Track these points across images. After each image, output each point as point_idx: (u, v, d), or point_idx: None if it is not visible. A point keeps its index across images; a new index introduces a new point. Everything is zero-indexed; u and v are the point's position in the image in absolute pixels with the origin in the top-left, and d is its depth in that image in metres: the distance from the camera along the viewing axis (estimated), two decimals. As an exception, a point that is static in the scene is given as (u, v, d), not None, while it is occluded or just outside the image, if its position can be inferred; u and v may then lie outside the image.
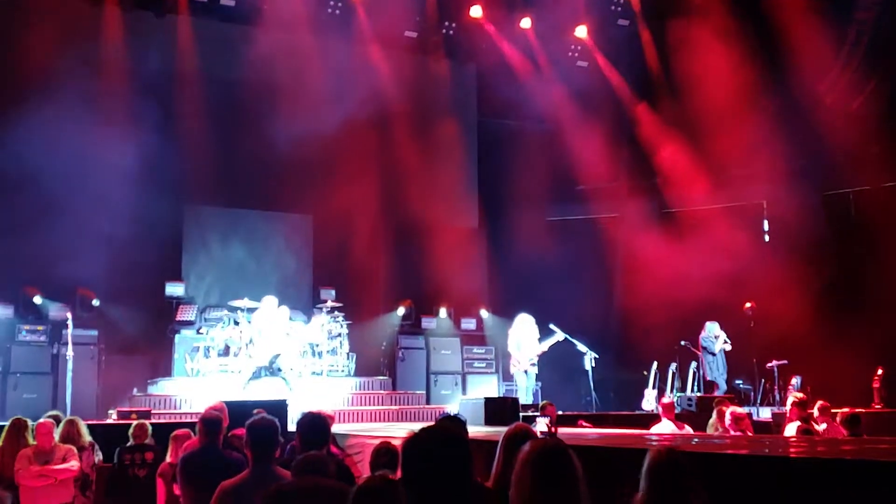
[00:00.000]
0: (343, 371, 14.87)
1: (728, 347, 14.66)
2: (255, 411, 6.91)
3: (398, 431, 9.37)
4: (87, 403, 12.94)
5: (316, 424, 5.18)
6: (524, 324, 13.77)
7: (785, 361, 14.48)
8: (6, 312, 13.87)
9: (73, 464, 7.72)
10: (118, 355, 14.23)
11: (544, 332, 13.73)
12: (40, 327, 13.79)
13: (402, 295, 17.73)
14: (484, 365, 16.72)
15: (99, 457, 8.39)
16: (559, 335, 13.50)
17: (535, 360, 13.67)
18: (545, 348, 13.59)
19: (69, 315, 13.29)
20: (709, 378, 14.66)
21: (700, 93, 15.50)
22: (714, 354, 14.52)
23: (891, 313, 13.95)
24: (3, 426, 8.46)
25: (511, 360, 13.86)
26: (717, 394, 13.45)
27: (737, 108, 14.99)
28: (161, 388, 13.60)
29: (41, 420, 8.20)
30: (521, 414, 10.11)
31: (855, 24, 15.06)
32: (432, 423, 3.03)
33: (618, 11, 17.38)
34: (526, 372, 13.61)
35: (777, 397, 14.34)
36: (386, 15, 16.50)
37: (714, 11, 15.24)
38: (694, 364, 15.00)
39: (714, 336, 14.52)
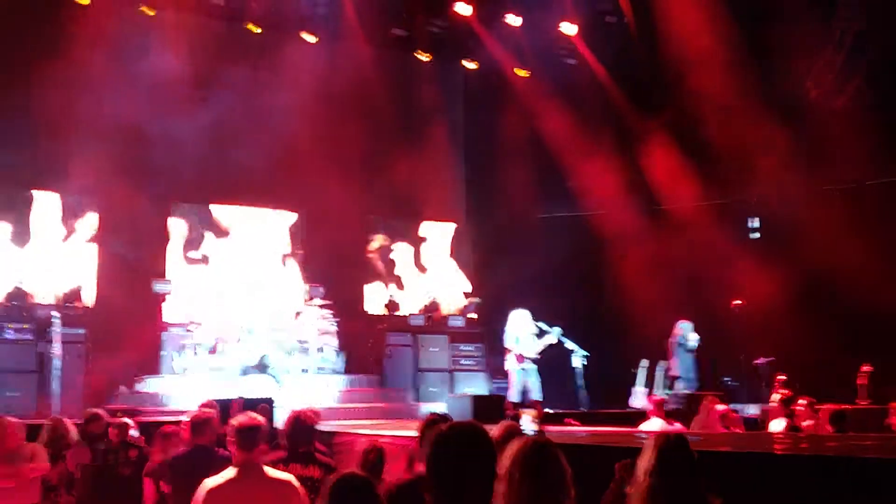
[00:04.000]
0: (331, 368, 14.85)
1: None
2: (259, 406, 6.90)
3: (386, 430, 9.38)
4: (74, 402, 12.82)
5: (301, 424, 5.18)
6: (521, 319, 13.68)
7: (772, 358, 14.51)
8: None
9: (42, 463, 7.62)
10: (105, 353, 14.13)
11: (538, 331, 13.69)
12: (26, 325, 13.69)
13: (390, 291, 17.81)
14: (472, 363, 16.64)
15: (85, 456, 8.32)
16: (554, 333, 13.43)
17: (535, 357, 13.61)
18: (541, 347, 13.53)
19: (55, 313, 13.25)
20: (674, 374, 14.56)
21: (688, 89, 15.52)
22: (691, 352, 14.50)
23: (876, 310, 14.00)
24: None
25: (507, 356, 13.78)
26: (683, 391, 13.46)
27: (725, 104, 15.02)
28: (149, 385, 13.55)
29: (7, 418, 8.09)
30: (505, 413, 10.06)
31: (840, 21, 15.10)
32: (461, 421, 2.99)
33: (606, 8, 17.37)
34: (524, 369, 13.53)
35: (764, 394, 14.36)
36: (373, 12, 16.48)
37: (701, 7, 15.26)
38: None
39: (690, 333, 14.50)
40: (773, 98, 15.20)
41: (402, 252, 18.64)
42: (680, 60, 15.47)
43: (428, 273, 18.72)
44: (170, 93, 15.06)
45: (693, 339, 14.48)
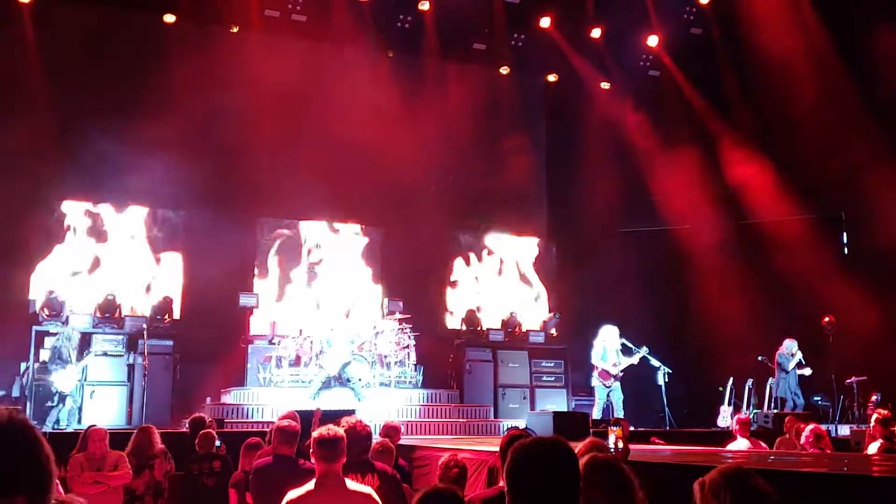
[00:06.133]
0: (409, 382, 14.87)
1: (807, 372, 14.20)
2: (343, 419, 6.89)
3: (466, 445, 9.32)
4: (162, 412, 13.17)
5: (353, 434, 5.14)
6: (610, 335, 13.52)
7: (864, 377, 14.02)
8: (84, 322, 14.20)
9: (125, 471, 7.78)
10: (192, 365, 14.44)
11: (624, 348, 13.51)
12: (118, 337, 14.08)
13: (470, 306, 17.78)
14: (553, 379, 16.42)
15: (171, 465, 8.48)
16: (640, 352, 13.25)
17: (620, 375, 13.44)
18: (625, 365, 13.35)
19: (145, 325, 13.62)
20: (778, 395, 14.24)
21: (776, 101, 15.15)
22: (787, 372, 14.12)
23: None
24: (78, 434, 8.63)
25: (594, 373, 13.64)
26: (785, 411, 13.10)
27: (815, 116, 14.60)
28: (234, 397, 13.77)
29: (94, 426, 8.29)
30: (591, 430, 9.91)
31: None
32: (543, 436, 2.93)
33: (690, 20, 17.10)
34: (608, 386, 13.36)
35: (856, 414, 13.88)
36: (455, 27, 16.54)
37: (790, 15, 14.87)
38: (771, 380, 14.60)
39: (791, 354, 14.12)
40: (868, 108, 14.70)
41: (482, 267, 18.61)
42: (769, 70, 15.10)
43: (508, 288, 18.63)
44: (255, 111, 15.36)
45: (795, 359, 14.09)
